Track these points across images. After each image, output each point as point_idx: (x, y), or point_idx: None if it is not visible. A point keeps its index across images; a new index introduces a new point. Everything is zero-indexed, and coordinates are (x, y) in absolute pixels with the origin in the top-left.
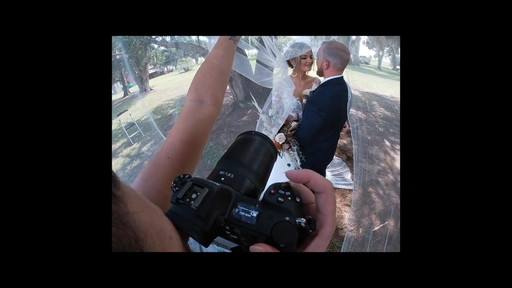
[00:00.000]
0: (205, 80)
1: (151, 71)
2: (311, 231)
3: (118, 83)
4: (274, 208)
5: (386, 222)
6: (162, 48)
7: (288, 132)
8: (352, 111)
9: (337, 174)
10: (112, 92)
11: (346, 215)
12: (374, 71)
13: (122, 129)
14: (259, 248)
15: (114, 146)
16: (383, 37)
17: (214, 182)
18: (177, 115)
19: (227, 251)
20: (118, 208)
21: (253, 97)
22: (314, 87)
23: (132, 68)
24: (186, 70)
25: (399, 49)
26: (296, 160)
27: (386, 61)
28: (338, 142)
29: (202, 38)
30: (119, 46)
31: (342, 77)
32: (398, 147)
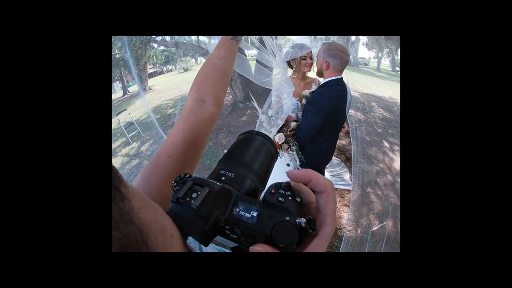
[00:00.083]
0: (207, 79)
1: (150, 71)
2: (311, 231)
3: (117, 82)
4: (275, 208)
5: (385, 223)
6: (162, 47)
7: (288, 132)
8: (351, 112)
9: (336, 174)
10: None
11: (345, 215)
12: (373, 73)
13: (121, 128)
14: (259, 248)
15: (113, 145)
16: (382, 39)
17: (215, 182)
18: (177, 115)
19: (227, 250)
20: (124, 205)
21: (252, 98)
22: (314, 87)
23: (132, 67)
24: (186, 70)
25: (399, 51)
26: (296, 160)
27: (386, 62)
28: (337, 142)
29: (202, 38)
30: (120, 45)
31: (341, 78)
32: (396, 148)
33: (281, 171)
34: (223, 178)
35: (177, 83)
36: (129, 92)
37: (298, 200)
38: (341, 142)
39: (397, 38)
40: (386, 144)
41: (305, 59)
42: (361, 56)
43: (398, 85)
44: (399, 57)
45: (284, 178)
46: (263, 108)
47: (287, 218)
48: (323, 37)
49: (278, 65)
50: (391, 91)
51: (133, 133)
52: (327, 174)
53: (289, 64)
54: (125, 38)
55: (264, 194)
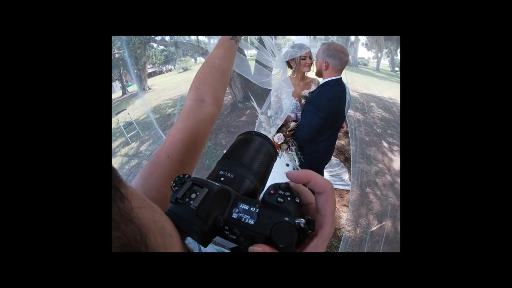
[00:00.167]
0: (206, 79)
1: (149, 70)
2: (310, 231)
3: (117, 82)
4: (274, 208)
5: (384, 223)
6: (161, 47)
7: (287, 133)
8: (350, 112)
9: (335, 174)
10: None
11: (344, 215)
12: (372, 73)
13: (120, 128)
14: (258, 248)
15: (112, 145)
16: (382, 39)
17: (214, 182)
18: (176, 115)
19: (226, 251)
20: (123, 205)
21: (252, 98)
22: (313, 88)
23: (131, 67)
24: (185, 69)
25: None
26: (295, 160)
27: (385, 62)
28: (336, 142)
29: (201, 37)
30: (119, 45)
31: (340, 78)
32: (395, 148)
33: (280, 171)
34: (222, 178)
35: (176, 83)
36: (128, 91)
37: (297, 200)
38: (340, 142)
39: (396, 38)
40: (385, 144)
41: (304, 59)
42: (360, 57)
43: (397, 85)
44: (398, 57)
45: (284, 179)
46: (262, 108)
47: (286, 218)
48: (322, 37)
49: (278, 65)
50: (390, 91)
51: (132, 133)
52: (326, 174)
53: (289, 64)
54: (123, 37)
55: (263, 195)
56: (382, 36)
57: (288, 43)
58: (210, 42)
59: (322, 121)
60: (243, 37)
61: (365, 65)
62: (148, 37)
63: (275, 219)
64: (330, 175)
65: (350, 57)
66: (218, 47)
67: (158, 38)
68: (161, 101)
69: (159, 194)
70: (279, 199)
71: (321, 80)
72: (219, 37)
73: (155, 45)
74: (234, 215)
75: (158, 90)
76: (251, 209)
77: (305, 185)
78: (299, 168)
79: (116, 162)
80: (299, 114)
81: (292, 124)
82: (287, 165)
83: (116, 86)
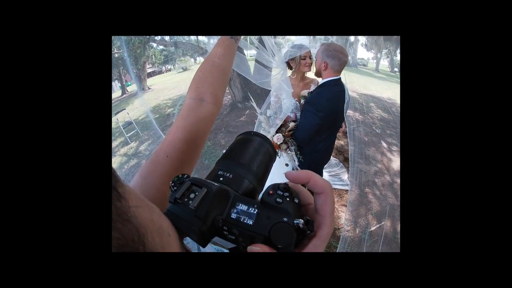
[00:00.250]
0: (206, 78)
1: (149, 70)
2: (309, 232)
3: (116, 81)
4: (272, 208)
5: (383, 223)
6: (161, 47)
7: (286, 133)
8: (349, 112)
9: (334, 174)
10: None
11: (343, 215)
12: (372, 73)
13: (120, 128)
14: (257, 248)
15: (112, 145)
16: (381, 39)
17: (213, 182)
18: (175, 115)
19: (225, 251)
20: (121, 204)
21: (251, 98)
22: (313, 88)
23: (131, 66)
24: (185, 69)
25: (397, 51)
26: (294, 160)
27: (384, 63)
28: (336, 143)
29: (201, 37)
30: (119, 45)
31: (340, 78)
32: (394, 148)
33: (279, 172)
34: (221, 178)
35: (176, 83)
36: (127, 91)
37: (296, 201)
38: (339, 142)
39: (396, 39)
40: (384, 144)
41: (304, 59)
42: (359, 57)
43: (397, 86)
44: (398, 57)
45: (283, 179)
46: (262, 108)
47: (285, 219)
48: (322, 37)
49: (278, 65)
50: (390, 91)
51: (132, 132)
52: (325, 174)
53: (288, 64)
54: (123, 37)
55: (262, 195)
56: (382, 37)
57: (288, 43)
58: (210, 42)
59: (321, 121)
60: (242, 36)
61: (364, 65)
62: (147, 37)
63: (274, 220)
64: (329, 175)
65: (349, 58)
66: (218, 46)
67: (158, 38)
68: (161, 101)
69: (159, 193)
70: (278, 199)
71: (320, 80)
72: (219, 37)
73: (154, 44)
74: (233, 215)
75: (157, 90)
76: (250, 209)
77: (304, 185)
78: (298, 168)
79: (115, 161)
80: (298, 114)
81: (292, 124)
82: (286, 165)
83: (115, 85)
